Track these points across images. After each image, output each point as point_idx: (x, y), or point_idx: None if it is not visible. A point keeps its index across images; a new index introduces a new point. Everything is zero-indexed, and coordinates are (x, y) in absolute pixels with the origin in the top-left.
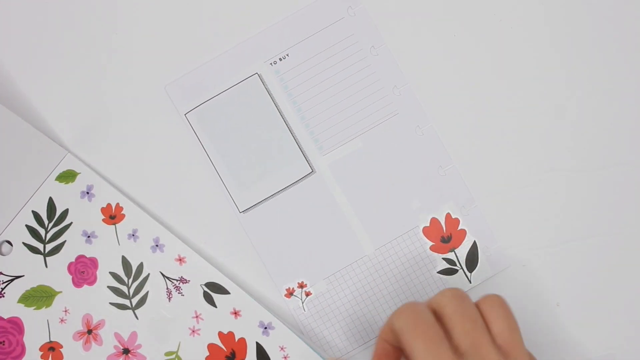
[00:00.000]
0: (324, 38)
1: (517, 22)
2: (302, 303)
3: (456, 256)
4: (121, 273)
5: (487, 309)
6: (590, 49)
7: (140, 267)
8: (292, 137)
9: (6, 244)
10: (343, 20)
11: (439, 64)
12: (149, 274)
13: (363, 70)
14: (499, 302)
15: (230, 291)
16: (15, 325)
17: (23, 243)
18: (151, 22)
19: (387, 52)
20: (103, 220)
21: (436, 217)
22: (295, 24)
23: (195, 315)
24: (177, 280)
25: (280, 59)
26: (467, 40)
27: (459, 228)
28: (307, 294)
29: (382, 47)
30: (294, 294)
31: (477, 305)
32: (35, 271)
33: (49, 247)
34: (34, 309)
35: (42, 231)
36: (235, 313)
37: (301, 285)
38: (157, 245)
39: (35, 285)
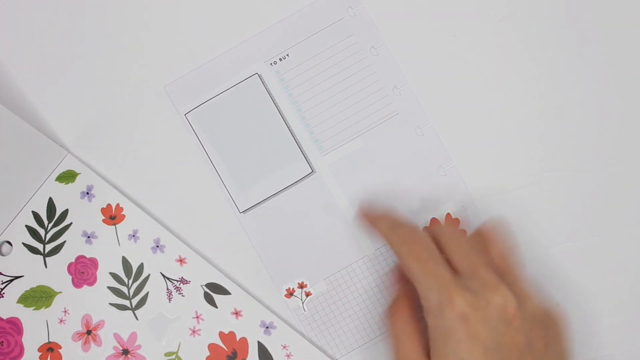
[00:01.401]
0: (324, 38)
1: (517, 22)
2: (302, 303)
3: None
4: (121, 273)
5: (485, 234)
6: (590, 48)
7: (141, 267)
8: (292, 137)
9: (6, 244)
10: (343, 20)
11: (439, 64)
12: (149, 275)
13: (363, 70)
14: (495, 227)
15: (231, 291)
16: (14, 326)
17: (23, 243)
18: (151, 22)
19: (387, 52)
20: (103, 220)
21: (436, 217)
22: (295, 24)
23: (195, 316)
24: (177, 280)
25: (280, 59)
26: (467, 40)
27: (459, 228)
28: (307, 294)
29: (382, 47)
30: (294, 294)
31: (476, 233)
32: (35, 271)
33: (48, 247)
34: (33, 309)
35: (42, 231)
36: (236, 313)
37: (301, 286)
38: (157, 246)
39: (34, 286)
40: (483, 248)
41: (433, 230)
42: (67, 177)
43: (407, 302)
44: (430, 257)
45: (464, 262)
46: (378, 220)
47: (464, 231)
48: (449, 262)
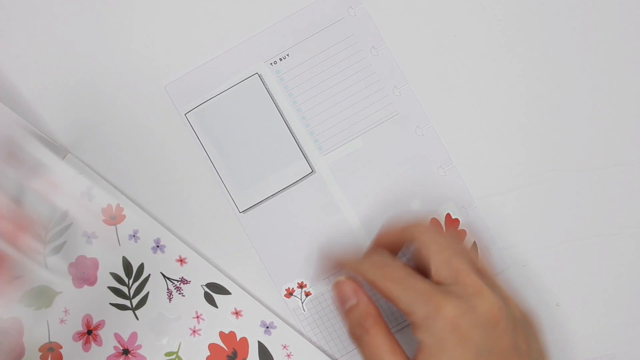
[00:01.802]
0: (324, 38)
1: (517, 22)
2: (302, 303)
3: None
4: (122, 274)
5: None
6: (590, 48)
7: (141, 267)
8: (292, 137)
9: None
10: (343, 20)
11: (439, 64)
12: (149, 275)
13: (363, 70)
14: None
15: (231, 291)
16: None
17: None
18: (151, 22)
19: (387, 52)
20: (103, 220)
21: (436, 217)
22: (295, 24)
23: (196, 316)
24: (177, 280)
25: (280, 59)
26: (467, 40)
27: (459, 228)
28: (307, 294)
29: (382, 47)
30: (294, 294)
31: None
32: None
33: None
34: (34, 310)
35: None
36: (237, 313)
37: (301, 285)
38: (157, 246)
39: (35, 286)
40: (465, 250)
41: (411, 233)
42: None
43: (379, 317)
44: (406, 274)
45: (445, 269)
46: (342, 264)
47: (464, 232)
48: (427, 272)
